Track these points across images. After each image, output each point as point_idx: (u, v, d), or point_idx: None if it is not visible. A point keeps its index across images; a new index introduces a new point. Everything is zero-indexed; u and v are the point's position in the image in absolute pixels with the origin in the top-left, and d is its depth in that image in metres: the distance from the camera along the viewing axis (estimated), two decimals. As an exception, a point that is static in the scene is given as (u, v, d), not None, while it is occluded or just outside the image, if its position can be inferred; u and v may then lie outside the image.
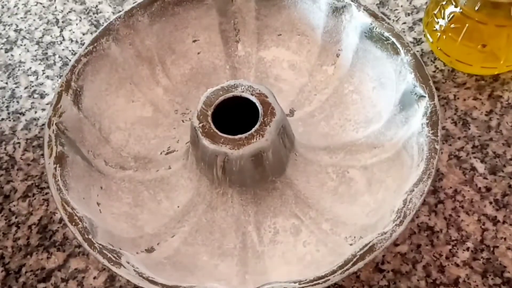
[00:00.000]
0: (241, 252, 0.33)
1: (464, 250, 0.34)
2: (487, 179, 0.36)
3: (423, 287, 0.33)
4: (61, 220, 0.37)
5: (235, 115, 0.33)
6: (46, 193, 0.38)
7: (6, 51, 0.46)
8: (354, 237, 0.32)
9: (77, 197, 0.32)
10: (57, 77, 0.44)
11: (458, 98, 0.39)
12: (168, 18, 0.39)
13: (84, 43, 0.37)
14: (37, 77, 0.44)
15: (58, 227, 0.37)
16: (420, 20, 0.43)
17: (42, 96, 0.43)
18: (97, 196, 0.34)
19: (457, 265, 0.33)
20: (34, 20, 0.48)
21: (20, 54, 0.46)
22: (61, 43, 0.46)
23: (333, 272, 0.28)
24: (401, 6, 0.44)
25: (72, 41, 0.46)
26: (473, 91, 0.39)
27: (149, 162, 0.37)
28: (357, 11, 0.36)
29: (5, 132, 0.42)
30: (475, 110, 0.39)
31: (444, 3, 0.38)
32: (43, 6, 0.49)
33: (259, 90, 0.33)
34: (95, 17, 0.48)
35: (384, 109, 0.36)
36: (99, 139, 0.36)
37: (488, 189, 0.36)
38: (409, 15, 0.43)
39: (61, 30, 0.47)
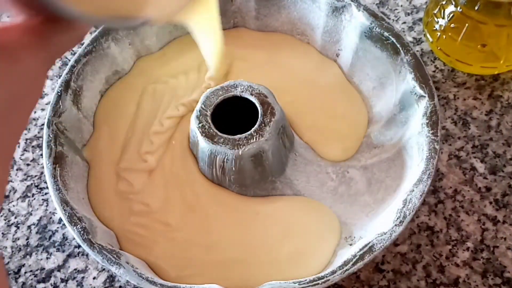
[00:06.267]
0: (241, 252, 0.33)
1: (464, 250, 0.34)
2: (487, 179, 0.36)
3: (423, 287, 0.33)
4: (60, 220, 0.37)
5: (235, 115, 0.33)
6: (46, 193, 0.38)
7: (6, 51, 0.46)
8: (354, 237, 0.32)
9: (76, 197, 0.32)
10: (57, 77, 0.44)
11: (458, 98, 0.39)
12: (167, 18, 0.39)
13: (84, 43, 0.36)
14: (37, 77, 0.44)
15: (58, 227, 0.37)
16: (420, 19, 0.43)
17: (41, 96, 0.43)
18: (96, 196, 0.34)
19: (457, 265, 0.33)
20: (33, 20, 0.48)
21: (19, 54, 0.46)
22: (60, 43, 0.46)
23: (333, 272, 0.28)
24: (401, 5, 0.44)
25: (71, 41, 0.46)
26: (473, 91, 0.39)
27: (148, 162, 0.37)
28: (357, 11, 0.36)
29: (5, 132, 0.41)
30: (475, 110, 0.38)
31: (444, 2, 0.38)
32: (43, 6, 0.49)
33: (259, 90, 0.33)
34: (95, 17, 0.47)
35: (384, 109, 0.36)
36: (99, 139, 0.36)
37: (488, 189, 0.36)
38: (409, 14, 0.43)
39: (61, 30, 0.47)
